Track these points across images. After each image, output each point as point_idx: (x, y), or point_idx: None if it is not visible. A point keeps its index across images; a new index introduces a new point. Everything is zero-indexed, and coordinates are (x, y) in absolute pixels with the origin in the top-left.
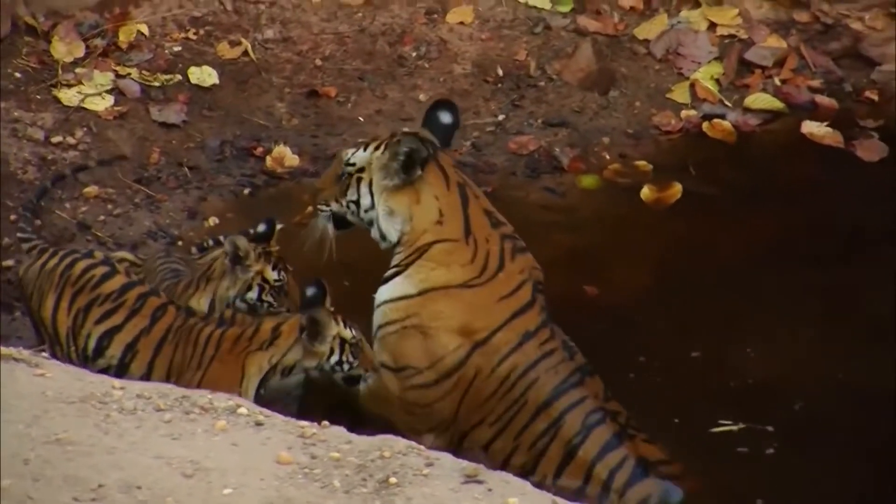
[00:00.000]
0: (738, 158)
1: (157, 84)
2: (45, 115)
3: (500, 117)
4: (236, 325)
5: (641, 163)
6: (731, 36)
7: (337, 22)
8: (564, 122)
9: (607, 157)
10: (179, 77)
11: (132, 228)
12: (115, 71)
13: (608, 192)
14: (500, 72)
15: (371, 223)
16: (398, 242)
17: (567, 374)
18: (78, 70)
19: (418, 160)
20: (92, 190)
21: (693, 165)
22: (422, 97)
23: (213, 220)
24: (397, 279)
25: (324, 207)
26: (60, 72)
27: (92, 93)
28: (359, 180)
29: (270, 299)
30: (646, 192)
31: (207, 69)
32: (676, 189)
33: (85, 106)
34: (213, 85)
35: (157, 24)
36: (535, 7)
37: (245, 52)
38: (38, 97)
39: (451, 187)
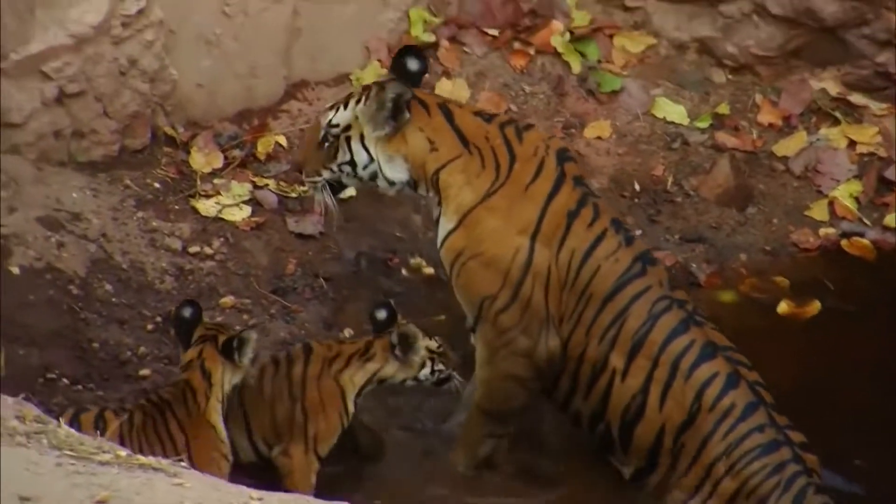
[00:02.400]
0: (877, 276)
1: (294, 195)
2: (182, 226)
3: (638, 232)
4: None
5: (779, 278)
6: (871, 154)
7: None
8: (702, 237)
9: (744, 273)
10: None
11: (268, 339)
12: (253, 181)
13: (745, 307)
14: (638, 187)
15: (373, 177)
16: (414, 186)
17: (629, 262)
18: (216, 180)
19: (404, 104)
20: (228, 300)
21: (831, 282)
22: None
23: (348, 332)
24: (440, 222)
25: (315, 178)
26: (199, 182)
27: (230, 203)
28: (348, 139)
29: (441, 366)
30: (783, 307)
31: None
32: (815, 305)
33: (223, 216)
34: (350, 197)
35: (295, 135)
36: (672, 122)
37: None
38: (177, 207)
39: (432, 111)
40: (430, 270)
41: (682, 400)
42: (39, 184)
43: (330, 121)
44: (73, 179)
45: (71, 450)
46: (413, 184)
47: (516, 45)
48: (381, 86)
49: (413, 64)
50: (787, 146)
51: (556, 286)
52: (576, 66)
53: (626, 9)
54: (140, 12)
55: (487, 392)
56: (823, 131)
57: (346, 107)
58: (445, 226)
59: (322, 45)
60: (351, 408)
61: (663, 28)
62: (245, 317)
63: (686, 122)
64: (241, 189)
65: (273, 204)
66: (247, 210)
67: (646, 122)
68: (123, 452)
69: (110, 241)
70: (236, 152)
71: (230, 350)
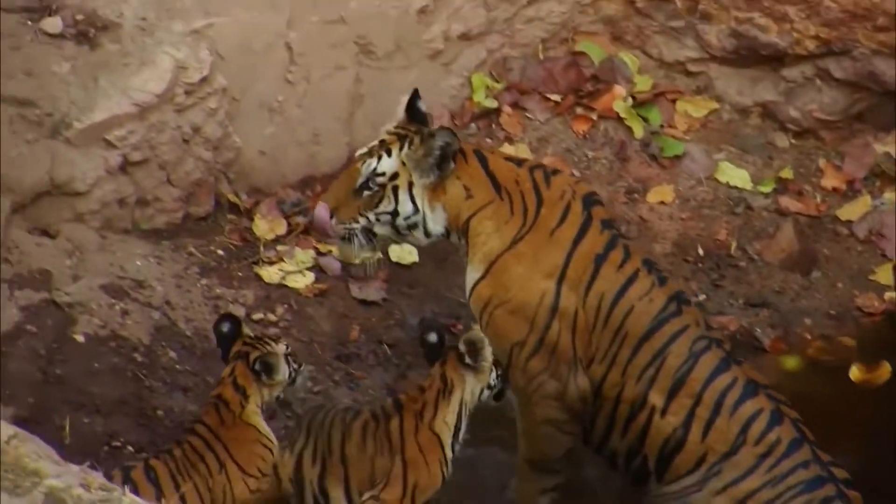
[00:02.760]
0: None
1: (356, 262)
2: (246, 292)
3: (702, 297)
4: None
5: (845, 338)
6: None
7: None
8: (766, 302)
9: (809, 337)
10: (380, 255)
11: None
12: (316, 248)
13: (811, 372)
14: (701, 251)
15: (412, 227)
16: (447, 235)
17: (663, 302)
18: (279, 247)
19: (451, 153)
20: None
21: None
22: None
23: None
24: (468, 270)
25: (351, 225)
26: (262, 249)
27: (293, 270)
28: (395, 188)
29: (500, 371)
30: (855, 372)
31: (407, 247)
32: (886, 369)
33: (286, 283)
34: (413, 263)
35: None
36: (735, 187)
37: None
38: (240, 274)
39: (469, 158)
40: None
41: (727, 433)
42: (103, 252)
43: (375, 169)
44: (136, 247)
45: None
46: (447, 234)
47: (578, 110)
48: (429, 133)
49: (424, 105)
50: (851, 210)
51: (584, 329)
52: (638, 131)
53: (689, 73)
54: (203, 80)
55: (528, 441)
56: (887, 195)
57: (389, 154)
58: (472, 274)
59: (384, 111)
60: (450, 454)
61: (726, 92)
62: (309, 383)
63: (749, 186)
64: (305, 256)
65: (336, 271)
66: (310, 277)
67: (709, 187)
68: None
69: (174, 308)
70: (300, 219)
71: (257, 371)
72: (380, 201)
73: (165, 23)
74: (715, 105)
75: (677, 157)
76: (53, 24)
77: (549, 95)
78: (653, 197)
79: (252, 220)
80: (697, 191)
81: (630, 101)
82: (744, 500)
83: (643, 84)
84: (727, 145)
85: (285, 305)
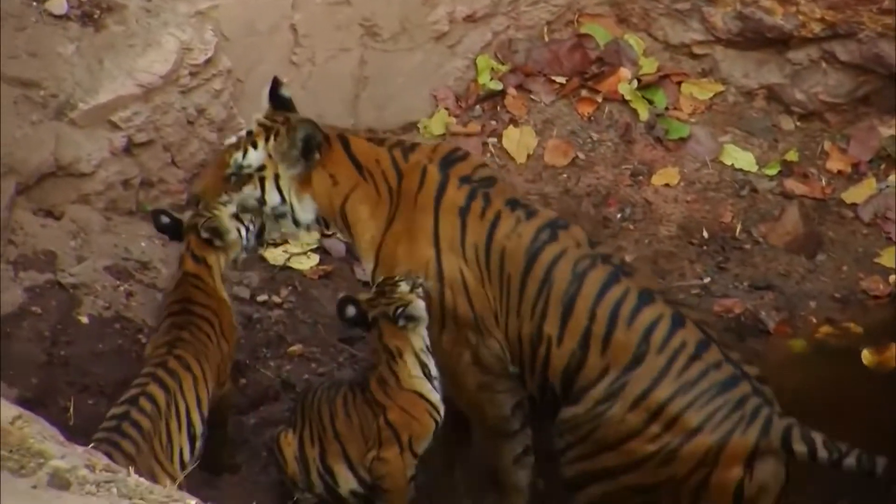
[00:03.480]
0: None
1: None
2: (250, 274)
3: (706, 280)
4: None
5: (851, 324)
6: None
7: (542, 183)
8: (770, 285)
9: (814, 321)
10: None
11: None
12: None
13: (820, 355)
14: (706, 234)
15: (281, 217)
16: (325, 224)
17: (533, 233)
18: None
19: (314, 145)
20: (296, 349)
21: None
22: (626, 259)
23: None
24: (362, 262)
25: (236, 228)
26: None
27: (298, 252)
28: (262, 179)
29: None
30: (867, 355)
31: None
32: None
33: (290, 265)
34: None
35: None
36: (741, 170)
37: None
38: (244, 257)
39: (333, 143)
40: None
41: (627, 344)
42: (108, 233)
43: (241, 162)
44: (141, 228)
45: (141, 498)
46: (324, 223)
47: (584, 92)
48: (292, 125)
49: (287, 91)
50: (857, 193)
51: (475, 285)
52: (643, 114)
53: (694, 56)
54: (208, 62)
55: (472, 412)
56: (892, 178)
57: (255, 147)
58: (367, 266)
59: (389, 93)
60: (435, 396)
61: (731, 75)
62: (313, 365)
63: (754, 169)
64: (309, 238)
65: (341, 252)
66: (314, 258)
67: (714, 170)
68: (193, 501)
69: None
70: None
71: (208, 238)
72: (243, 188)
73: (170, 4)
74: (720, 87)
75: (682, 140)
76: (58, 4)
77: (554, 78)
78: (658, 179)
79: None
80: (702, 173)
81: (635, 83)
82: (658, 411)
83: (648, 66)
84: (732, 128)
85: (290, 287)
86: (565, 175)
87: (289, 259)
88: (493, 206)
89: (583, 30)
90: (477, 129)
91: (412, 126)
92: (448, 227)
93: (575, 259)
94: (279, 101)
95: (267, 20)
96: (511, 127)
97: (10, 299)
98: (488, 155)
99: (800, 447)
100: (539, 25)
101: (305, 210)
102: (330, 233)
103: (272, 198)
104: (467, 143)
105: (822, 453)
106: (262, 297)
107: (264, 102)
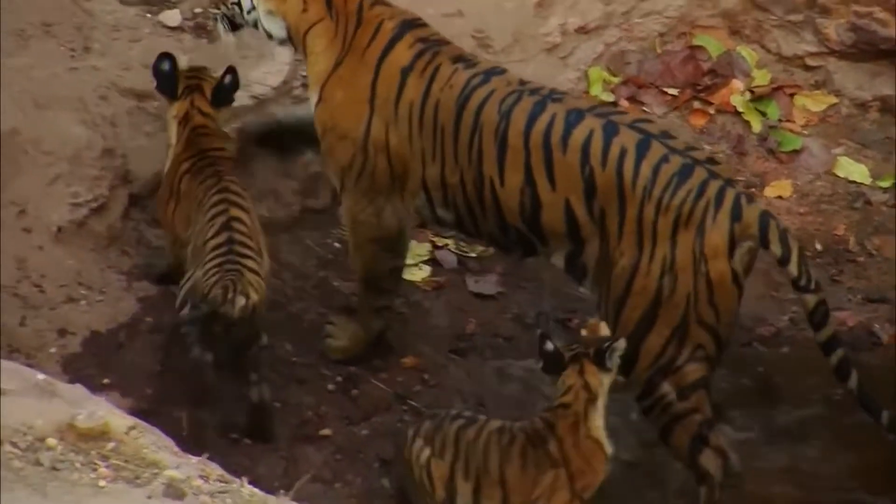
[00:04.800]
0: None
1: (473, 255)
2: None
3: None
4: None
5: None
6: None
7: None
8: (884, 298)
9: None
10: (494, 249)
11: (447, 398)
12: (433, 241)
13: None
14: (819, 246)
15: (255, 24)
16: (294, 46)
17: (465, 79)
18: None
19: None
20: (408, 360)
21: None
22: None
23: None
24: (309, 91)
25: (215, 10)
26: None
27: (410, 263)
28: None
29: None
30: None
31: None
32: None
33: (403, 276)
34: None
35: None
36: (854, 182)
37: None
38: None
39: None
40: (607, 332)
41: (571, 169)
42: None
43: None
44: None
45: None
46: (292, 43)
47: (696, 104)
48: None
49: None
50: None
51: (399, 145)
52: (756, 126)
53: (807, 68)
54: None
55: (356, 259)
56: None
57: None
58: (312, 97)
59: None
60: (610, 449)
61: (844, 87)
62: (426, 376)
63: (868, 181)
64: (421, 249)
65: (452, 264)
66: (426, 270)
67: (827, 182)
68: None
69: (291, 301)
70: None
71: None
72: None
73: None
74: (833, 99)
75: (795, 152)
76: (172, 16)
77: (666, 89)
78: (770, 191)
79: None
80: (816, 185)
81: (748, 95)
82: (640, 230)
83: (761, 78)
84: (846, 140)
85: (402, 298)
86: None
87: None
88: (435, 62)
89: (695, 41)
90: None
91: None
92: (385, 86)
93: (502, 97)
94: None
95: None
96: None
97: (124, 309)
98: None
99: (776, 248)
100: (651, 37)
101: (274, 25)
102: (296, 57)
103: (245, 2)
104: None
105: (794, 270)
106: None
107: None
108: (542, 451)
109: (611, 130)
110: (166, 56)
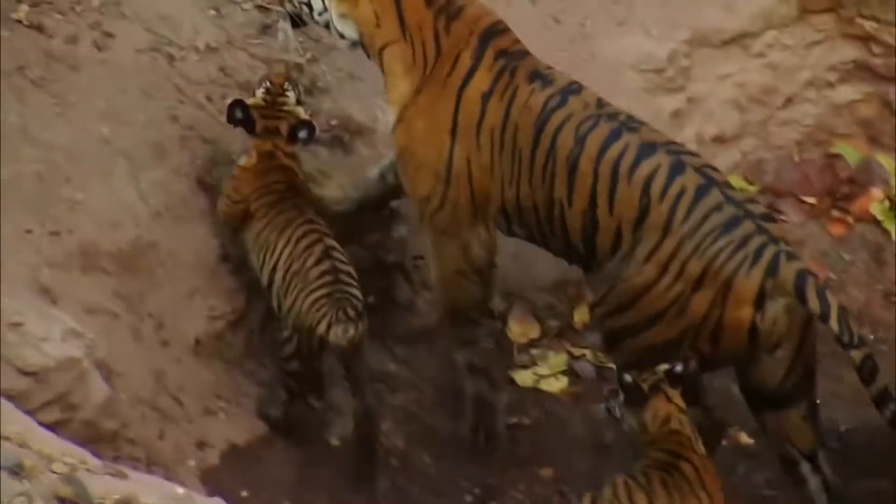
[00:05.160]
0: None
1: (611, 366)
2: (500, 396)
3: None
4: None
5: None
6: None
7: None
8: None
9: None
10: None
11: None
12: (570, 352)
13: None
14: None
15: (327, 25)
16: (366, 52)
17: (543, 101)
18: (533, 351)
19: None
20: (547, 471)
21: None
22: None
23: None
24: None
25: (280, 8)
26: (515, 352)
27: (547, 373)
28: None
29: None
30: None
31: None
32: None
33: (540, 387)
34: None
35: None
36: None
37: None
38: (494, 377)
39: (406, 3)
40: (748, 441)
41: (630, 199)
42: None
43: None
44: (390, 350)
45: None
46: (365, 50)
47: (834, 213)
48: None
49: None
50: None
51: (482, 172)
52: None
53: None
54: None
55: (442, 291)
56: None
57: None
58: (391, 115)
59: None
60: None
61: None
62: (564, 488)
63: None
64: (558, 359)
65: (590, 374)
66: (564, 380)
67: None
68: None
69: (429, 412)
70: (553, 322)
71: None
72: None
73: None
74: None
75: None
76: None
77: (804, 198)
78: None
79: (506, 324)
80: None
81: (887, 203)
82: (668, 263)
83: None
84: None
85: (539, 409)
86: None
87: (538, 381)
88: (514, 82)
89: (833, 150)
90: None
91: None
92: (468, 114)
93: (578, 122)
94: None
95: None
96: None
97: (262, 422)
98: None
99: (814, 305)
100: (788, 146)
101: (346, 28)
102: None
103: (317, 3)
104: None
105: (834, 326)
106: (511, 420)
107: None
108: (680, 477)
109: (677, 169)
110: (238, 103)
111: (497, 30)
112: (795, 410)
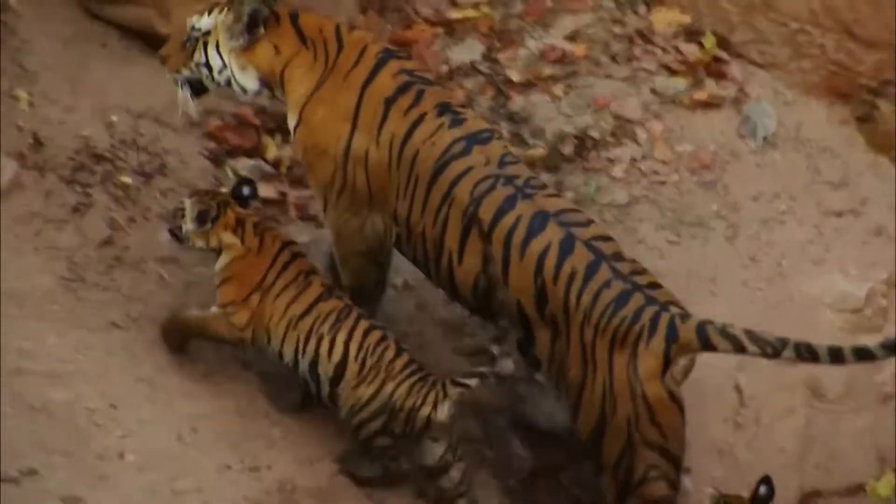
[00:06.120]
0: None
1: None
2: None
3: None
4: None
5: None
6: None
7: None
8: None
9: None
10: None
11: None
12: None
13: None
14: None
15: (228, 82)
16: (271, 91)
17: (447, 143)
18: None
19: (260, 20)
20: None
21: None
22: None
23: None
24: (288, 118)
25: (175, 75)
26: None
27: None
28: (205, 44)
29: None
30: None
31: None
32: None
33: None
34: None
35: None
36: None
37: None
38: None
39: (282, 19)
40: None
41: (525, 276)
42: None
43: (194, 25)
44: None
45: None
46: (269, 88)
47: None
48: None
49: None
50: None
51: (378, 166)
52: None
53: None
54: None
55: (343, 271)
56: None
57: (209, 14)
58: (291, 122)
59: (835, 454)
60: None
61: None
62: None
63: None
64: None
65: None
66: None
67: None
68: None
69: None
70: None
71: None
72: (194, 52)
73: None
74: None
75: None
76: None
77: None
78: None
79: None
80: None
81: None
82: (581, 335)
83: None
84: None
85: None
86: None
87: None
88: (420, 106)
89: None
90: None
91: (859, 488)
92: (369, 111)
93: (477, 180)
94: None
95: (713, 380)
96: None
97: None
98: None
99: (722, 344)
100: None
101: (248, 79)
102: (275, 97)
103: (215, 62)
104: None
105: (752, 347)
106: None
107: None
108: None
109: (567, 247)
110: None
111: (400, 55)
112: None
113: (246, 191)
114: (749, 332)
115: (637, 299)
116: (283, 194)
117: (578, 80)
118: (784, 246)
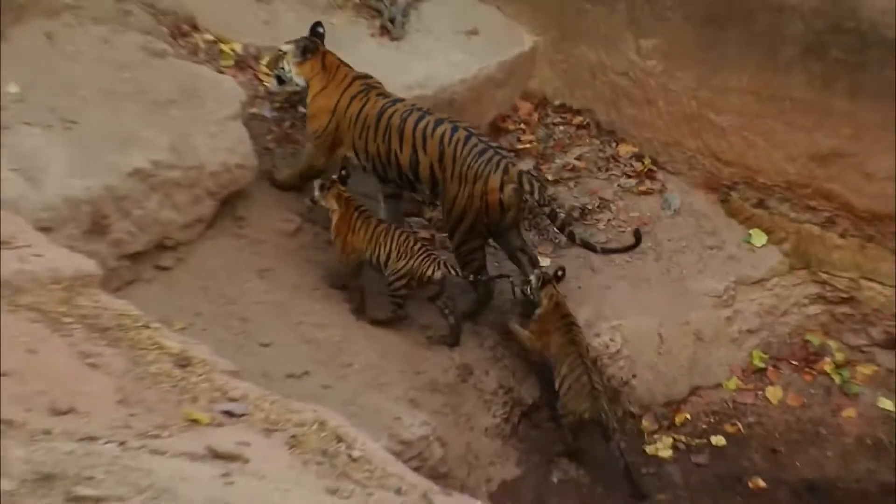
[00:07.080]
0: None
1: (696, 444)
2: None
3: None
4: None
5: None
6: None
7: None
8: None
9: None
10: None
11: None
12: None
13: None
14: None
15: (290, 80)
16: (306, 86)
17: (381, 104)
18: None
19: (309, 50)
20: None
21: None
22: None
23: None
24: (307, 97)
25: (270, 71)
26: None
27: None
28: (284, 58)
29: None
30: None
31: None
32: None
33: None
34: None
35: (701, 412)
36: None
37: None
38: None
39: (320, 53)
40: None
41: (434, 147)
42: None
43: (281, 49)
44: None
45: None
46: (304, 89)
47: None
48: (302, 38)
49: (320, 29)
50: None
51: (341, 132)
52: None
53: None
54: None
55: (295, 175)
56: None
57: (288, 44)
58: (308, 103)
59: (708, 367)
60: None
61: None
62: None
63: None
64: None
65: None
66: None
67: None
68: None
69: None
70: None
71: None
72: (278, 62)
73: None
74: None
75: None
76: None
77: None
78: None
79: None
80: None
81: None
82: (459, 178)
83: None
84: None
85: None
86: None
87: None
88: (369, 96)
89: None
90: None
91: (719, 385)
92: (343, 103)
93: (402, 112)
94: (314, 33)
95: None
96: None
97: None
98: None
99: (526, 186)
100: None
101: (298, 79)
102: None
103: (286, 67)
104: None
105: (536, 197)
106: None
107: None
108: (572, 322)
109: (453, 130)
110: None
111: (374, 84)
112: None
113: (344, 173)
114: (541, 187)
115: (489, 153)
116: (433, 235)
117: (581, 180)
118: (683, 265)
